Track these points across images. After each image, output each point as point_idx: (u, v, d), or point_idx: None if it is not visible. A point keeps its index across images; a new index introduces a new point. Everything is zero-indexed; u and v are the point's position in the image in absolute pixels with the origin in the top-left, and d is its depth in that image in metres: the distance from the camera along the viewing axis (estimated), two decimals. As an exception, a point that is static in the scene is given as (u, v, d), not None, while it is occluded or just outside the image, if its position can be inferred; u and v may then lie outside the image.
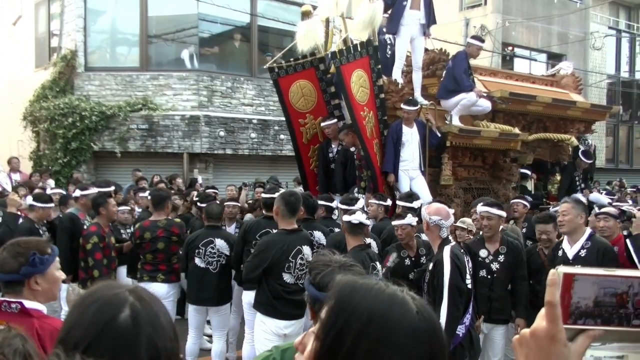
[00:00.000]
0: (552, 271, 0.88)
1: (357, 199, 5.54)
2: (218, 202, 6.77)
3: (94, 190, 6.71)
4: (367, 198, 6.93)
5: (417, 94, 7.81)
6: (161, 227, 5.97)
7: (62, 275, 2.59)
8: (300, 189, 10.78)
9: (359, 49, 7.11)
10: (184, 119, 13.11)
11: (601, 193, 9.46)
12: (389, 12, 7.72)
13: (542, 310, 0.89)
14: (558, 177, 10.15)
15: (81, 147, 12.76)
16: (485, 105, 7.86)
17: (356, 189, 7.25)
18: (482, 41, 8.27)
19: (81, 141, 12.71)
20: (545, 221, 5.45)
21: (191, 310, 5.99)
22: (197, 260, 5.74)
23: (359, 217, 4.71)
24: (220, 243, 5.77)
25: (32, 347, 1.31)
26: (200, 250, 5.73)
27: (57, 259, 2.58)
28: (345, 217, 4.80)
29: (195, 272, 5.78)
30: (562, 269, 0.88)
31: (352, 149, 7.40)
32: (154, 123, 13.06)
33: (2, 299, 2.45)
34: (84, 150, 12.82)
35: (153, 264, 6.01)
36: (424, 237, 5.27)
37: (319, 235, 5.68)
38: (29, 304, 2.42)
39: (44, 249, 2.51)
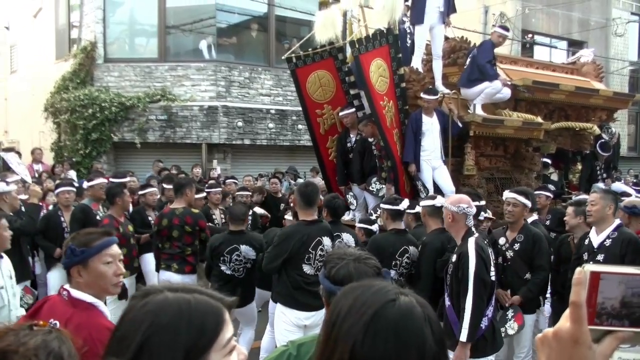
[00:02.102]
0: (578, 269, 0.85)
1: (401, 200, 5.42)
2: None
3: (100, 180, 6.79)
4: (388, 189, 6.87)
5: (438, 83, 7.72)
6: (177, 215, 6.00)
7: (113, 269, 2.49)
8: (318, 179, 10.79)
9: (379, 38, 7.01)
10: (202, 109, 13.14)
11: (630, 185, 9.29)
12: (409, 1, 7.63)
13: (567, 311, 0.85)
14: (579, 167, 10.00)
15: (101, 138, 12.87)
16: (506, 92, 7.76)
17: (375, 179, 7.18)
18: (508, 30, 8.15)
19: (101, 132, 12.82)
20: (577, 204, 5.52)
21: None
22: (222, 267, 5.60)
23: (441, 201, 4.80)
24: (245, 249, 5.60)
25: (69, 349, 1.30)
26: (225, 258, 5.58)
27: (110, 252, 2.51)
28: (428, 202, 4.87)
29: (220, 277, 5.61)
30: (589, 267, 0.84)
31: (371, 139, 7.33)
32: (172, 114, 13.12)
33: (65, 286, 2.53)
34: (104, 141, 12.93)
35: (169, 253, 6.05)
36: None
37: (347, 238, 5.42)
38: (75, 293, 2.45)
39: (87, 241, 2.49)
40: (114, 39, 14.04)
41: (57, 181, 8.02)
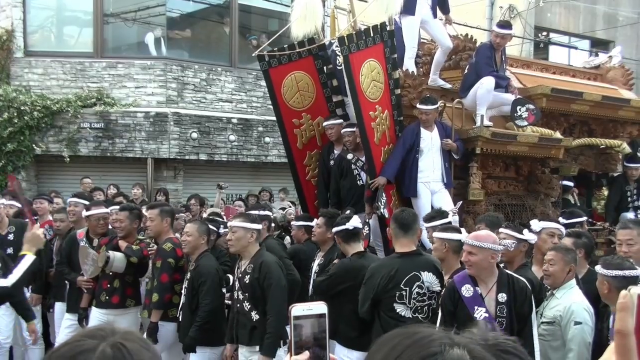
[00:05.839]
0: (622, 293, 0.87)
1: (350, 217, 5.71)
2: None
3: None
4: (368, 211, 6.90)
5: (435, 76, 7.94)
6: None
7: None
8: (287, 203, 10.64)
9: (372, 34, 6.95)
10: (148, 117, 13.04)
11: None
12: None
13: (612, 343, 0.87)
14: (605, 192, 10.04)
15: (19, 150, 12.61)
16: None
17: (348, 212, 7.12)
18: (508, 27, 8.03)
19: (19, 142, 12.56)
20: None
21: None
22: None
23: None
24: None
25: None
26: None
27: None
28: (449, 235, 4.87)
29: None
30: (636, 290, 0.87)
31: (350, 156, 7.28)
32: (111, 122, 12.98)
33: None
34: (23, 154, 12.68)
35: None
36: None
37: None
38: None
39: None
40: (37, 27, 13.92)
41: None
